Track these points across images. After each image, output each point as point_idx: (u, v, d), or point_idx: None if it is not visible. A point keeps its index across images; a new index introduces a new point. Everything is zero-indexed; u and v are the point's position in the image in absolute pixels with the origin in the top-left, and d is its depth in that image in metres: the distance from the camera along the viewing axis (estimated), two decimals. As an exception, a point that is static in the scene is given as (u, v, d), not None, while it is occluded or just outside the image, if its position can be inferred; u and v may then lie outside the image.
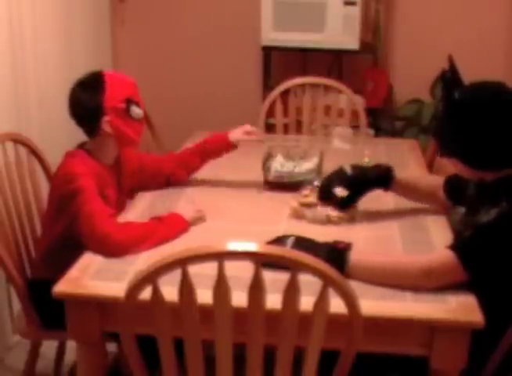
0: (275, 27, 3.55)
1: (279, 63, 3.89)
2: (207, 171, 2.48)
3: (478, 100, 1.73)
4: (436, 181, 2.15)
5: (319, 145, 2.67)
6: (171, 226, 1.97)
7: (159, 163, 2.38)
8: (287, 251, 1.57)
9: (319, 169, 2.38)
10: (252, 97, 3.88)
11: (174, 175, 2.39)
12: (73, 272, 1.75)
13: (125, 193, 2.27)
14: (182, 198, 2.28)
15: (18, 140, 2.29)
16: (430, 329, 1.59)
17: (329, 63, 3.81)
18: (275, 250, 1.42)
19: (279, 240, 1.78)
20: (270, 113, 3.22)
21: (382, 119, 3.78)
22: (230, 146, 2.41)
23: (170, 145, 2.79)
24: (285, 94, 3.23)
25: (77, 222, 1.91)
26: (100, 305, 1.67)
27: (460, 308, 1.60)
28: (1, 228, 2.11)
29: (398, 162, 2.55)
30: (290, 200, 2.16)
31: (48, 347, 2.42)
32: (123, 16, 4.00)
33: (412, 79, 3.82)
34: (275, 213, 2.17)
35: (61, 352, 2.45)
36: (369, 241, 1.97)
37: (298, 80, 3.22)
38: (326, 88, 3.20)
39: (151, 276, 1.38)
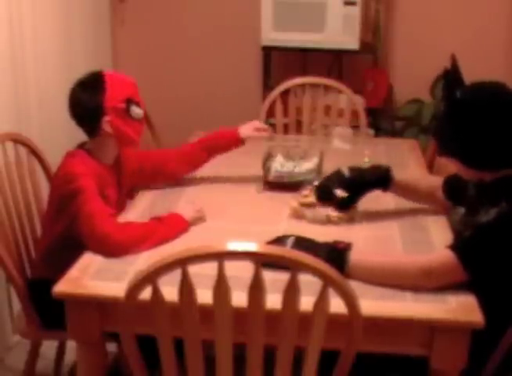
0: (275, 27, 3.55)
1: (279, 63, 3.89)
2: (206, 170, 2.48)
3: (479, 100, 1.73)
4: (435, 181, 2.16)
5: (319, 145, 2.67)
6: (171, 226, 1.97)
7: (160, 161, 2.36)
8: (287, 251, 1.57)
9: (319, 169, 2.38)
10: (252, 97, 3.88)
11: (176, 173, 2.39)
12: (73, 272, 1.75)
13: (125, 193, 2.28)
14: (182, 198, 2.28)
15: (18, 140, 2.29)
16: (430, 329, 1.59)
17: (329, 63, 3.81)
18: (275, 250, 1.42)
19: (279, 240, 1.79)
20: (270, 113, 3.22)
21: (382, 119, 3.78)
22: (240, 142, 2.41)
23: (170, 145, 2.78)
24: (285, 94, 3.23)
25: (77, 222, 1.91)
26: (100, 305, 1.67)
27: (460, 308, 1.60)
28: (1, 228, 2.11)
29: (398, 162, 2.56)
30: (290, 200, 2.16)
31: (48, 347, 2.42)
32: (123, 16, 4.00)
33: (412, 79, 3.82)
34: (275, 213, 2.17)
35: (61, 352, 2.45)
36: (369, 241, 1.97)
37: (298, 80, 3.22)
38: (326, 88, 3.20)
39: (151, 276, 1.38)
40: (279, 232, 1.87)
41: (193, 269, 1.37)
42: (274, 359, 1.45)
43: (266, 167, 2.40)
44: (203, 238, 1.96)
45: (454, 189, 2.04)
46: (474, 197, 1.87)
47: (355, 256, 1.71)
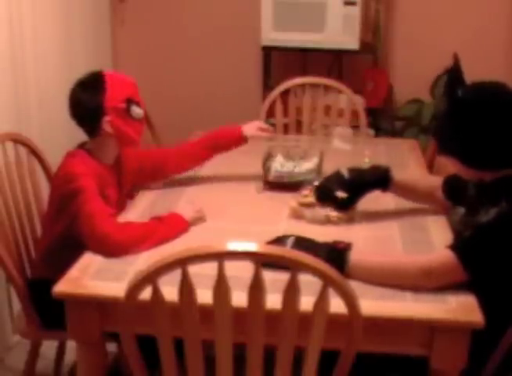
0: (275, 27, 3.55)
1: (279, 63, 3.89)
2: (206, 170, 2.48)
3: (480, 100, 1.73)
4: (434, 181, 2.15)
5: (319, 145, 2.67)
6: (171, 226, 1.97)
7: (160, 159, 2.36)
8: (287, 251, 1.57)
9: (319, 169, 2.38)
10: (252, 97, 3.88)
11: (176, 171, 2.40)
12: (73, 272, 1.75)
13: (125, 193, 2.28)
14: (182, 198, 2.28)
15: (18, 140, 2.29)
16: (430, 329, 1.59)
17: (329, 63, 3.81)
18: (275, 250, 1.42)
19: (279, 240, 1.79)
20: (270, 113, 3.22)
21: (382, 119, 3.78)
22: (243, 141, 2.42)
23: (170, 145, 2.78)
24: (285, 94, 3.23)
25: (77, 222, 1.91)
26: (100, 305, 1.67)
27: (460, 308, 1.60)
28: (1, 228, 2.11)
29: (398, 162, 2.56)
30: (289, 200, 2.16)
31: (48, 347, 2.42)
32: (123, 16, 4.00)
33: (412, 79, 3.82)
34: (275, 213, 2.17)
35: (61, 352, 2.45)
36: (369, 241, 1.97)
37: (298, 80, 3.22)
38: (326, 88, 3.20)
39: (151, 276, 1.38)
40: (279, 232, 1.87)
41: (193, 269, 1.37)
42: (274, 359, 1.45)
43: (266, 167, 2.40)
44: (203, 238, 1.96)
45: (454, 189, 2.04)
46: (474, 197, 1.87)
47: (355, 256, 1.71)
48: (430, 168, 2.81)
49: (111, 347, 2.09)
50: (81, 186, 1.94)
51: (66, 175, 2.00)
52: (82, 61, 3.37)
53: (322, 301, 1.39)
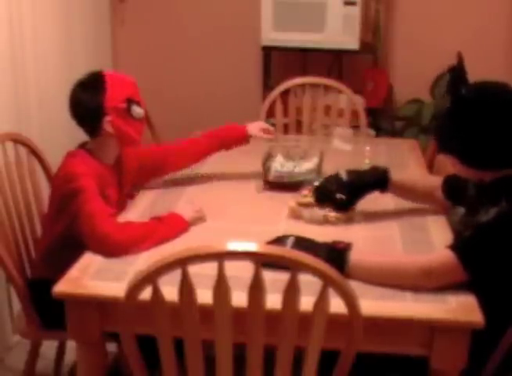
0: (275, 27, 3.55)
1: (279, 63, 3.89)
2: (206, 170, 2.48)
3: (483, 99, 1.73)
4: (434, 181, 2.15)
5: (319, 145, 2.67)
6: (171, 226, 1.97)
7: (160, 157, 2.36)
8: (287, 251, 1.57)
9: (319, 169, 2.38)
10: (252, 97, 3.88)
11: (176, 167, 2.40)
12: (73, 272, 1.75)
13: (126, 193, 2.28)
14: (182, 198, 2.28)
15: (18, 140, 2.29)
16: (430, 329, 1.59)
17: (329, 63, 3.81)
18: (275, 250, 1.42)
19: (279, 240, 1.79)
20: (270, 113, 3.22)
21: (382, 119, 3.78)
22: (246, 140, 2.43)
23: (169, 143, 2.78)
24: (285, 94, 3.23)
25: (77, 222, 1.91)
26: (100, 305, 1.67)
27: (460, 308, 1.60)
28: (1, 228, 2.11)
29: (398, 162, 2.56)
30: (289, 200, 2.16)
31: (48, 347, 2.42)
32: (123, 16, 4.00)
33: (412, 79, 3.82)
34: (275, 213, 2.17)
35: (61, 352, 2.45)
36: (369, 241, 1.97)
37: (298, 80, 3.22)
38: (326, 88, 3.20)
39: (151, 276, 1.38)
40: (279, 232, 1.87)
41: (193, 269, 1.37)
42: (274, 359, 1.45)
43: (266, 167, 2.40)
44: (203, 238, 1.96)
45: (454, 188, 2.04)
46: (474, 197, 1.87)
47: (355, 256, 1.71)
48: (430, 168, 2.81)
49: (111, 347, 2.09)
50: (81, 186, 1.94)
51: (66, 174, 2.00)
52: (82, 61, 3.37)
53: (322, 301, 1.39)
